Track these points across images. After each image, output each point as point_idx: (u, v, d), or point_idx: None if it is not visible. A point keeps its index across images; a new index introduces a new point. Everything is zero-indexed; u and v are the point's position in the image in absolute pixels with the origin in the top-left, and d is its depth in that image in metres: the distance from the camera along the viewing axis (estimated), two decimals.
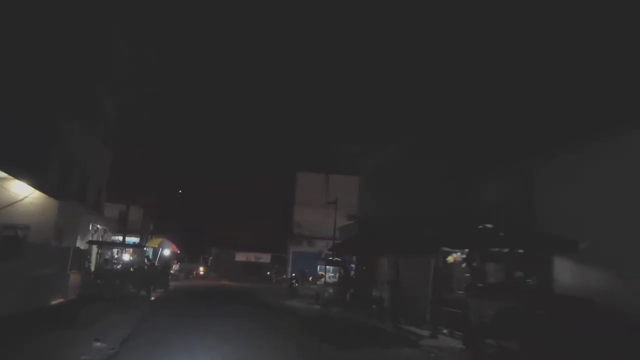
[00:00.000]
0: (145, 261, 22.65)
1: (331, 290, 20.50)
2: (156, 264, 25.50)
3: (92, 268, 22.11)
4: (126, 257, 23.43)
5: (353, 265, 28.62)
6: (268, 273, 40.48)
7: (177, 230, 49.49)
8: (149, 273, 20.88)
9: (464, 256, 12.71)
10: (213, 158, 72.32)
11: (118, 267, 22.75)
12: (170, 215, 45.79)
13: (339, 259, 22.20)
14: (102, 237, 27.27)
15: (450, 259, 13.72)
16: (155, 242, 30.28)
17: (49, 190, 15.09)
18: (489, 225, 11.97)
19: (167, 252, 31.20)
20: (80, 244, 20.79)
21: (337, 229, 26.92)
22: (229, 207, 49.72)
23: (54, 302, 14.94)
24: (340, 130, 47.02)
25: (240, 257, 42.14)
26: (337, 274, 21.67)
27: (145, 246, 24.57)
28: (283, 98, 69.99)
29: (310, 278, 33.70)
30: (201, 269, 41.21)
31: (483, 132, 15.71)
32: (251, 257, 42.07)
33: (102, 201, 29.19)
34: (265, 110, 73.76)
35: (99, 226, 26.76)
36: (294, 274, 25.23)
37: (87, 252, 21.51)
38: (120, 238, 30.91)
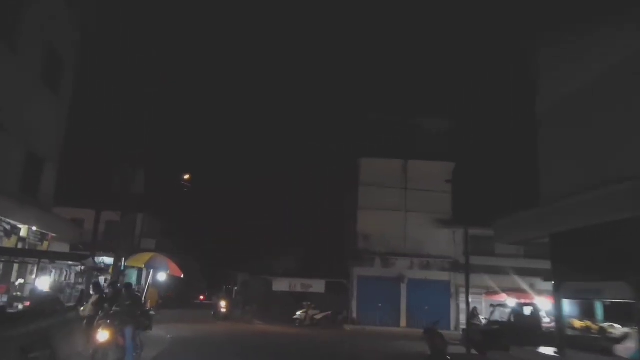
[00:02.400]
0: (91, 291, 9.39)
1: None
2: (131, 294, 12.13)
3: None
4: (45, 284, 10.14)
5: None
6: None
7: (191, 248, 36.47)
8: (69, 323, 7.47)
9: None
10: (236, 150, 58.20)
11: (18, 308, 9.54)
12: (176, 225, 32.84)
13: None
14: (30, 244, 14.29)
15: None
16: (141, 259, 16.73)
17: None
18: None
19: (161, 275, 17.95)
20: None
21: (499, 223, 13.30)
22: (261, 215, 36.45)
23: None
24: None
25: (280, 285, 28.56)
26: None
27: (93, 259, 11.19)
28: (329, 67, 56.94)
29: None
30: (222, 304, 27.52)
31: None
32: (296, 284, 28.42)
33: (48, 185, 16.35)
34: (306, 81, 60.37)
35: (30, 227, 13.83)
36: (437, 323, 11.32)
37: None
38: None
